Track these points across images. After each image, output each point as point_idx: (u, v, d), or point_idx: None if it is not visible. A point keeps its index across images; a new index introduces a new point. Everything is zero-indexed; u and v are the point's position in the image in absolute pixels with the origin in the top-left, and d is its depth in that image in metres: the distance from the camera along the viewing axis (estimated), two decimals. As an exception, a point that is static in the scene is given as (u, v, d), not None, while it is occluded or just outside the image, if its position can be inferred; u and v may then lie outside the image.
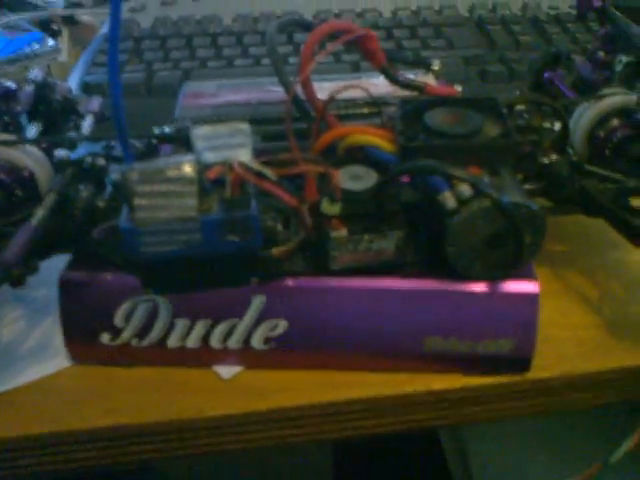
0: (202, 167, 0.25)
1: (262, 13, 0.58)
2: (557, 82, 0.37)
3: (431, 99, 0.30)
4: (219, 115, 0.35)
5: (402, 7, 0.58)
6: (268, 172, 0.24)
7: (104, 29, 0.60)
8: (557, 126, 0.34)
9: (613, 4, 0.64)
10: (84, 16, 0.66)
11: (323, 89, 0.38)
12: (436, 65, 0.38)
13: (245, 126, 0.26)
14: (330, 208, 0.26)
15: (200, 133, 0.26)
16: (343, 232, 0.27)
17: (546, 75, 0.37)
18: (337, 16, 0.57)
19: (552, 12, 0.57)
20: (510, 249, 0.26)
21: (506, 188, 0.26)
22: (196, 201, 0.25)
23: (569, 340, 0.31)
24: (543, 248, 0.36)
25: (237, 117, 0.35)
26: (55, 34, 0.63)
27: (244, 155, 0.25)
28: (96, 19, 0.65)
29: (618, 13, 0.57)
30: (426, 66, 0.38)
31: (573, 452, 0.60)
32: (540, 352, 0.29)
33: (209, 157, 0.25)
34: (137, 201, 0.25)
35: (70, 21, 0.65)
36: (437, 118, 0.28)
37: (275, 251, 0.27)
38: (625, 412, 0.29)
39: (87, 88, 0.49)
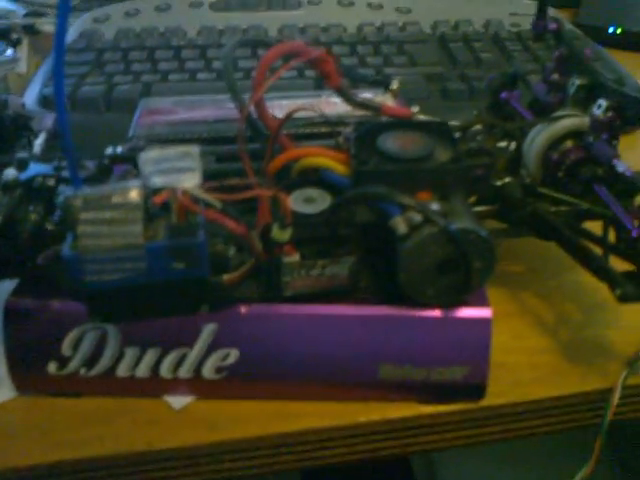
0: (149, 192, 0.25)
1: (227, 26, 0.57)
2: (513, 102, 0.37)
3: (385, 122, 0.30)
4: (175, 134, 0.35)
5: (367, 23, 0.58)
6: (213, 200, 0.24)
7: (67, 39, 0.59)
8: (513, 145, 0.34)
9: (575, 23, 0.65)
10: (46, 25, 0.65)
11: (282, 107, 0.38)
12: (394, 84, 0.38)
13: (194, 149, 0.25)
14: (280, 235, 0.25)
15: (148, 157, 0.25)
16: (295, 257, 0.27)
17: (503, 95, 0.37)
18: (302, 31, 0.57)
19: (514, 29, 0.58)
20: (461, 274, 0.26)
21: (456, 213, 0.26)
22: (141, 228, 0.24)
23: (524, 365, 0.30)
24: (499, 269, 0.36)
25: (193, 135, 0.35)
26: (15, 44, 0.61)
27: (192, 179, 0.25)
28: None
29: (578, 31, 0.58)
30: (385, 85, 0.38)
31: (545, 472, 0.60)
32: (495, 378, 0.29)
33: (156, 181, 0.25)
34: (81, 228, 0.24)
35: (31, 30, 0.64)
36: (390, 142, 0.28)
37: (226, 278, 0.27)
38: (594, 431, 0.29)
39: (45, 101, 0.48)
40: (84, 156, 0.33)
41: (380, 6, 0.61)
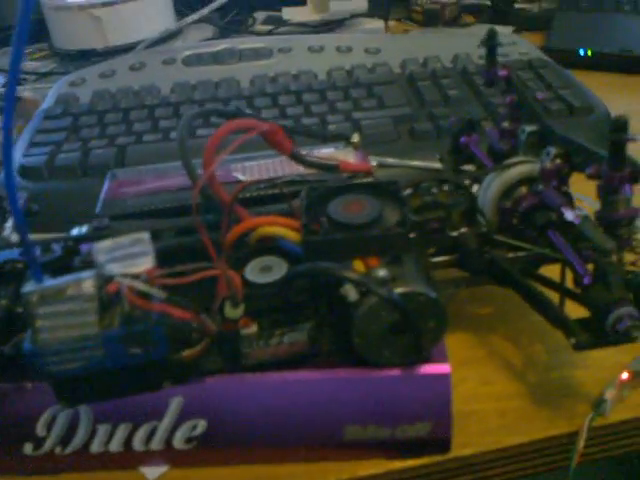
0: (103, 281, 0.26)
1: (199, 81, 0.59)
2: (472, 147, 0.38)
3: (336, 186, 0.31)
4: (139, 207, 0.36)
5: (337, 67, 0.59)
6: (156, 291, 0.24)
7: (45, 104, 0.60)
8: (474, 189, 0.35)
9: (544, 47, 0.66)
10: (26, 92, 0.67)
11: (245, 169, 0.39)
12: (355, 137, 0.39)
13: (145, 235, 0.26)
14: (233, 312, 0.26)
15: (101, 247, 0.26)
16: (253, 328, 0.27)
17: (462, 140, 0.38)
18: (273, 80, 0.58)
19: (482, 61, 0.58)
20: (413, 335, 0.27)
21: (404, 276, 0.27)
22: (96, 318, 0.25)
23: (492, 412, 0.31)
24: (468, 312, 0.37)
25: (156, 207, 0.36)
26: (-3, 112, 0.63)
27: (146, 263, 0.26)
28: (39, 93, 0.65)
29: (546, 57, 0.58)
30: (345, 139, 0.39)
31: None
32: (462, 428, 0.29)
33: (111, 268, 0.26)
34: (39, 323, 0.25)
35: (13, 98, 0.66)
36: (339, 208, 0.29)
37: (186, 354, 0.27)
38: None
39: (24, 172, 0.49)
40: (58, 227, 0.34)
41: (349, 49, 0.62)
